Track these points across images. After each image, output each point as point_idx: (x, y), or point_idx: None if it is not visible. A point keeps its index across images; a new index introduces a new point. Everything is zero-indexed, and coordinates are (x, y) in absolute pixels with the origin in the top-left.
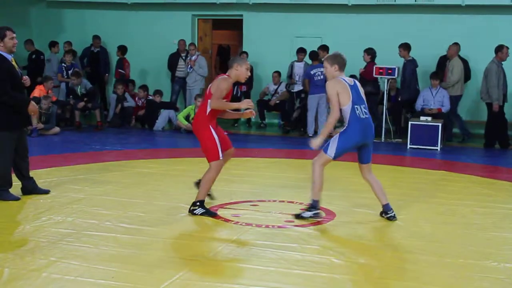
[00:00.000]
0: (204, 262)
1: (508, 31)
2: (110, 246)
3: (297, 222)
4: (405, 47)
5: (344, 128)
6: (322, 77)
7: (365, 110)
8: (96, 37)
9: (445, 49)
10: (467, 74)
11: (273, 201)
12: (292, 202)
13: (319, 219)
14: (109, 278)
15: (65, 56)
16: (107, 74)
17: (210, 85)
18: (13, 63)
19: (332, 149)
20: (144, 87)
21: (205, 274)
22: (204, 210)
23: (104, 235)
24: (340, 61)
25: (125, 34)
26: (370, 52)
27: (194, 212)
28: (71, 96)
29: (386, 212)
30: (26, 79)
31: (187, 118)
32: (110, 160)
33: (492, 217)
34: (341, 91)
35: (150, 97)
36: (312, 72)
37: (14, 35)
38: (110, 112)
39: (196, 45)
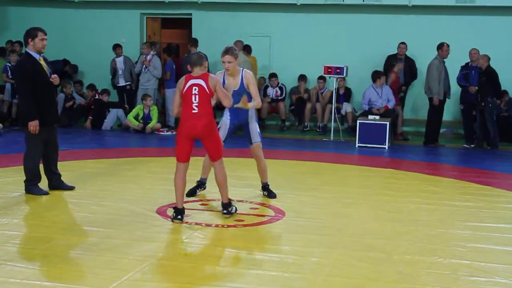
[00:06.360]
0: (154, 263)
1: (453, 31)
2: (57, 247)
3: (247, 221)
4: (193, 42)
5: (255, 114)
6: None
7: None
8: None
9: (393, 49)
10: (413, 73)
11: None
12: (242, 201)
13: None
14: (56, 279)
15: (10, 55)
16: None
17: (203, 82)
18: (41, 62)
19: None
20: (92, 86)
21: (154, 274)
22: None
23: (51, 236)
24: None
25: (71, 33)
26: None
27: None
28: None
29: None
30: (55, 78)
31: (136, 117)
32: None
33: (438, 214)
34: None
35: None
36: None
37: (45, 36)
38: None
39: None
